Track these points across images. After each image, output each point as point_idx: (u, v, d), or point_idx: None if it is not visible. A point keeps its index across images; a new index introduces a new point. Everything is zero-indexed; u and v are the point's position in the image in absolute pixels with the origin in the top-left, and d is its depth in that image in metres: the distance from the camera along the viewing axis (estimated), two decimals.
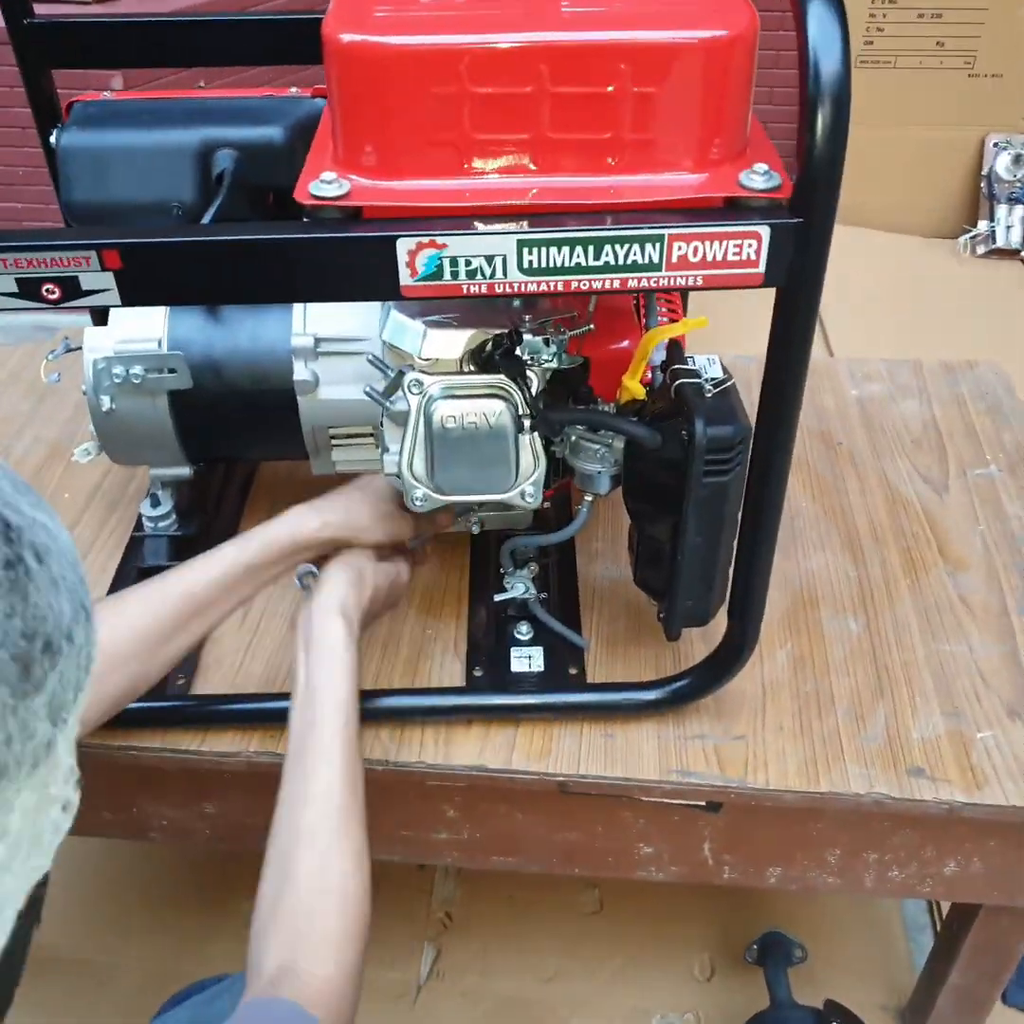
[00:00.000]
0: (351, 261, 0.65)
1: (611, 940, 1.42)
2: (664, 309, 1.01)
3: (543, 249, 0.65)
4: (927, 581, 1.08)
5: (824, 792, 0.89)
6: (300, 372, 0.97)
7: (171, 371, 0.96)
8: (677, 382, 0.83)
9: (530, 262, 0.65)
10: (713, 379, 0.84)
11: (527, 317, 0.85)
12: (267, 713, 0.95)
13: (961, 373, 1.38)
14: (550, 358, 0.84)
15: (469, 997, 1.37)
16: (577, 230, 0.64)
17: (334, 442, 1.03)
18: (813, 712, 0.96)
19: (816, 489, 1.21)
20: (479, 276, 0.66)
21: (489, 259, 0.65)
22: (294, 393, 0.97)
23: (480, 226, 0.64)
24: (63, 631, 0.42)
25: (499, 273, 0.66)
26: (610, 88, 0.64)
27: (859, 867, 0.99)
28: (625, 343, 0.93)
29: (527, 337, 0.83)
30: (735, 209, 0.66)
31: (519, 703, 0.94)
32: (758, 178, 0.66)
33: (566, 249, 0.65)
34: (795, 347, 0.70)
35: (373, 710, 0.93)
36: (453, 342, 0.83)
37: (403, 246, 0.64)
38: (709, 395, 0.82)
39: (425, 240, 0.64)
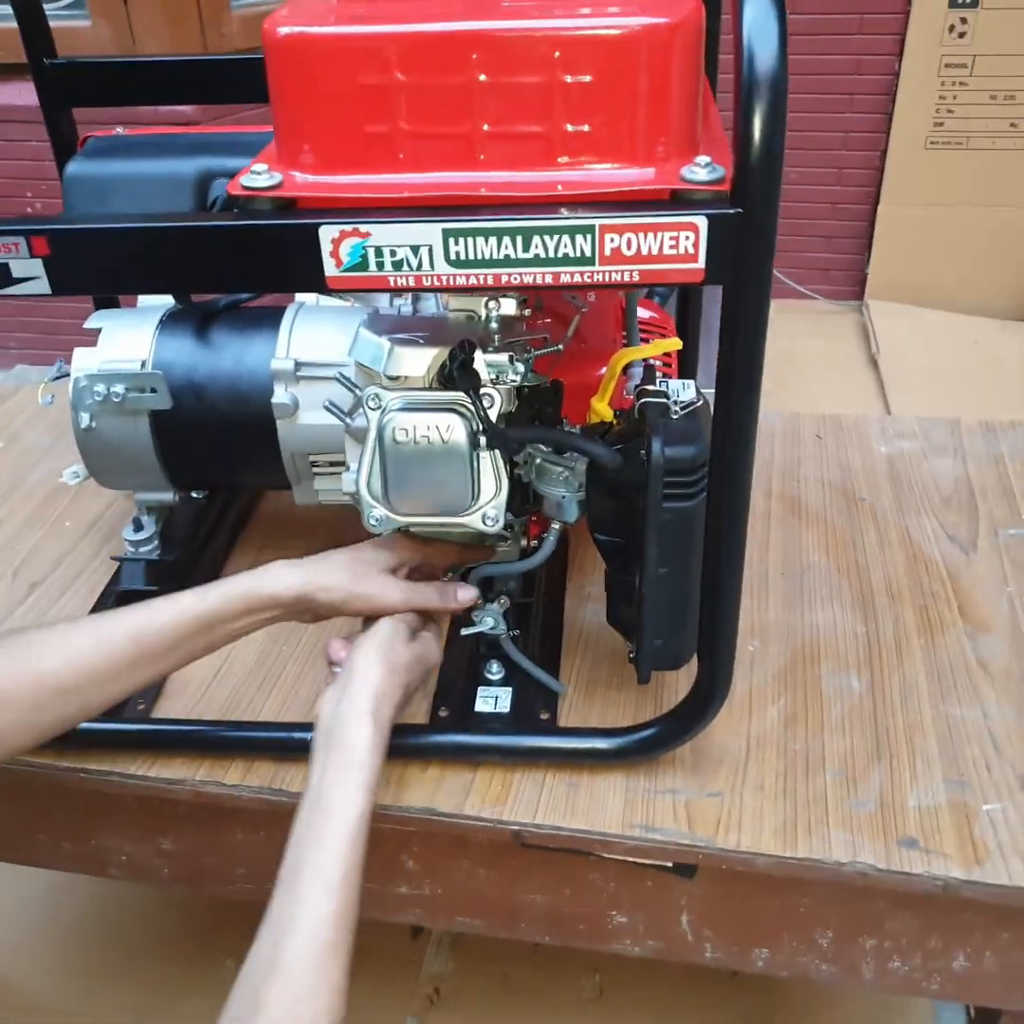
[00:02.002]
0: (276, 251, 0.64)
1: None
2: (655, 336, 0.97)
3: (469, 240, 0.62)
4: (943, 642, 1.00)
5: (800, 858, 0.81)
6: (279, 396, 0.95)
7: (152, 391, 0.96)
8: (641, 401, 0.79)
9: (457, 253, 0.63)
10: (682, 402, 0.79)
11: (497, 337, 0.83)
12: (220, 741, 0.91)
13: (1002, 432, 1.31)
14: (516, 377, 0.81)
15: None
16: (503, 219, 0.61)
17: (315, 470, 1.01)
18: (799, 772, 0.88)
19: (831, 544, 1.14)
20: (405, 267, 0.63)
21: (415, 249, 0.63)
22: (274, 418, 0.96)
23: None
24: None
25: (426, 264, 0.63)
26: (544, 79, 0.62)
27: (855, 954, 0.89)
28: (603, 370, 0.89)
29: (492, 356, 0.80)
30: (676, 202, 0.63)
31: (473, 744, 0.89)
32: (700, 170, 0.62)
33: (493, 240, 0.62)
34: (744, 355, 0.65)
35: (306, 743, 0.88)
36: (419, 360, 0.81)
37: (326, 234, 0.62)
38: (675, 416, 0.78)
39: (348, 228, 0.62)
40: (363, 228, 0.62)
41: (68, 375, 1.01)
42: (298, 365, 0.96)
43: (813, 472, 1.27)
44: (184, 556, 1.08)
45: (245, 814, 0.92)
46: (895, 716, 0.92)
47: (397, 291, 0.64)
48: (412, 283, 0.64)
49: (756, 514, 1.20)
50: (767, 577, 1.10)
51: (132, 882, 1.07)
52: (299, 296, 1.05)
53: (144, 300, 1.06)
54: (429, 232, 0.62)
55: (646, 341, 0.97)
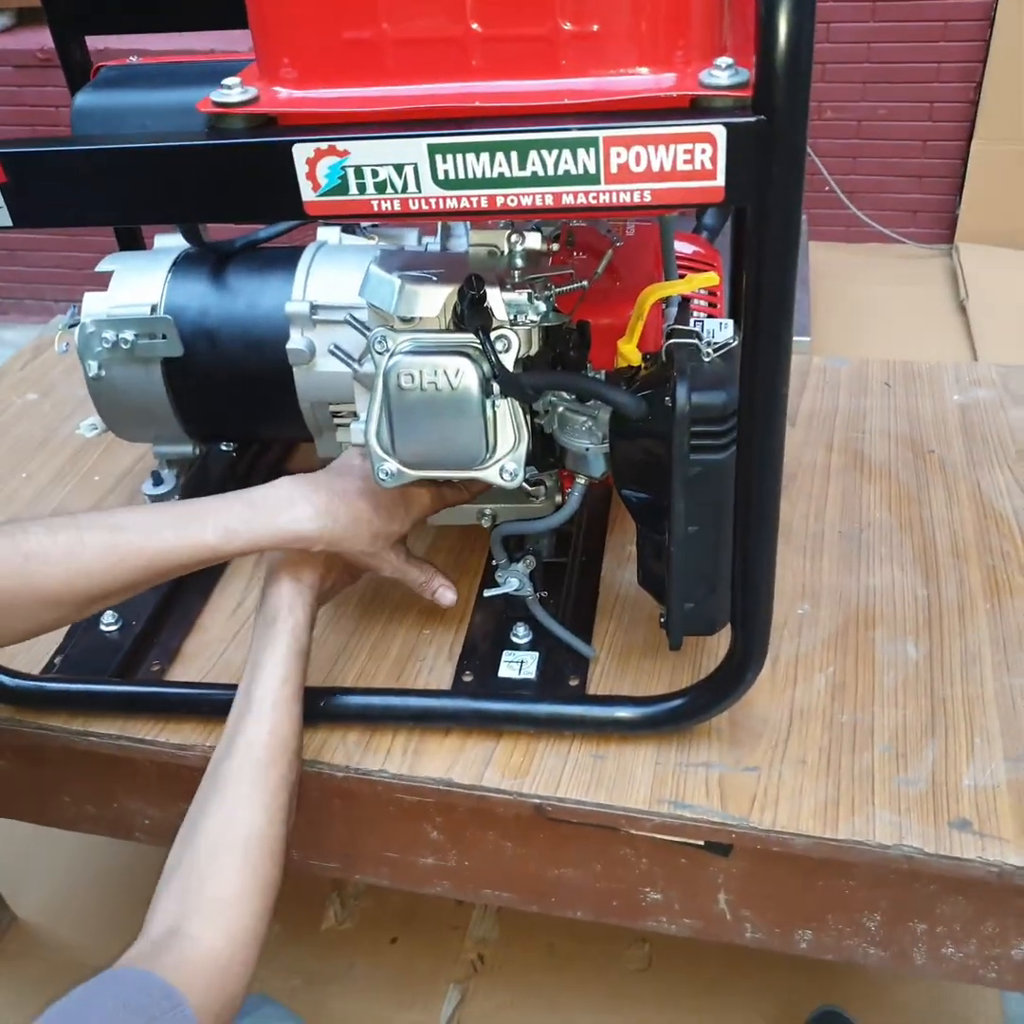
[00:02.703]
0: (247, 174, 0.58)
1: (655, 1006, 1.27)
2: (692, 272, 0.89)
3: (459, 156, 0.55)
4: (1011, 606, 0.91)
5: (842, 840, 0.74)
6: (295, 341, 0.90)
7: (162, 337, 0.92)
8: (669, 342, 0.71)
9: (446, 173, 0.56)
10: (716, 344, 0.72)
11: (516, 272, 0.76)
12: (229, 706, 0.87)
13: None
14: (535, 317, 0.74)
15: None
16: (495, 132, 0.55)
17: (337, 420, 0.96)
18: (845, 747, 0.81)
19: (895, 499, 1.05)
20: (389, 190, 0.57)
21: (399, 169, 0.56)
22: (289, 365, 0.91)
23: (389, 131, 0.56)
24: None
25: (412, 186, 0.57)
26: None
27: (906, 939, 0.83)
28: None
29: (509, 294, 0.74)
30: (694, 110, 0.55)
31: (495, 711, 0.83)
32: (720, 74, 0.54)
33: (485, 156, 0.55)
34: (772, 289, 0.58)
35: (339, 710, 0.85)
36: (432, 298, 0.75)
37: (301, 153, 0.56)
38: (708, 360, 0.71)
39: (324, 146, 0.56)
40: (341, 146, 0.56)
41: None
42: (315, 308, 0.90)
43: (879, 423, 1.17)
44: None
45: None
46: (954, 687, 0.84)
47: (381, 217, 0.58)
48: (398, 207, 0.58)
49: (816, 468, 1.11)
50: (822, 536, 1.02)
51: (159, 846, 1.04)
52: (321, 234, 0.99)
53: (160, 241, 1.01)
54: (413, 148, 0.56)
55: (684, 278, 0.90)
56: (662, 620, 0.80)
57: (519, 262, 0.76)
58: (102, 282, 0.97)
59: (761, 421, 0.63)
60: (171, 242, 1.00)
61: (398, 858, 0.93)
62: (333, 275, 0.92)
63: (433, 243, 0.94)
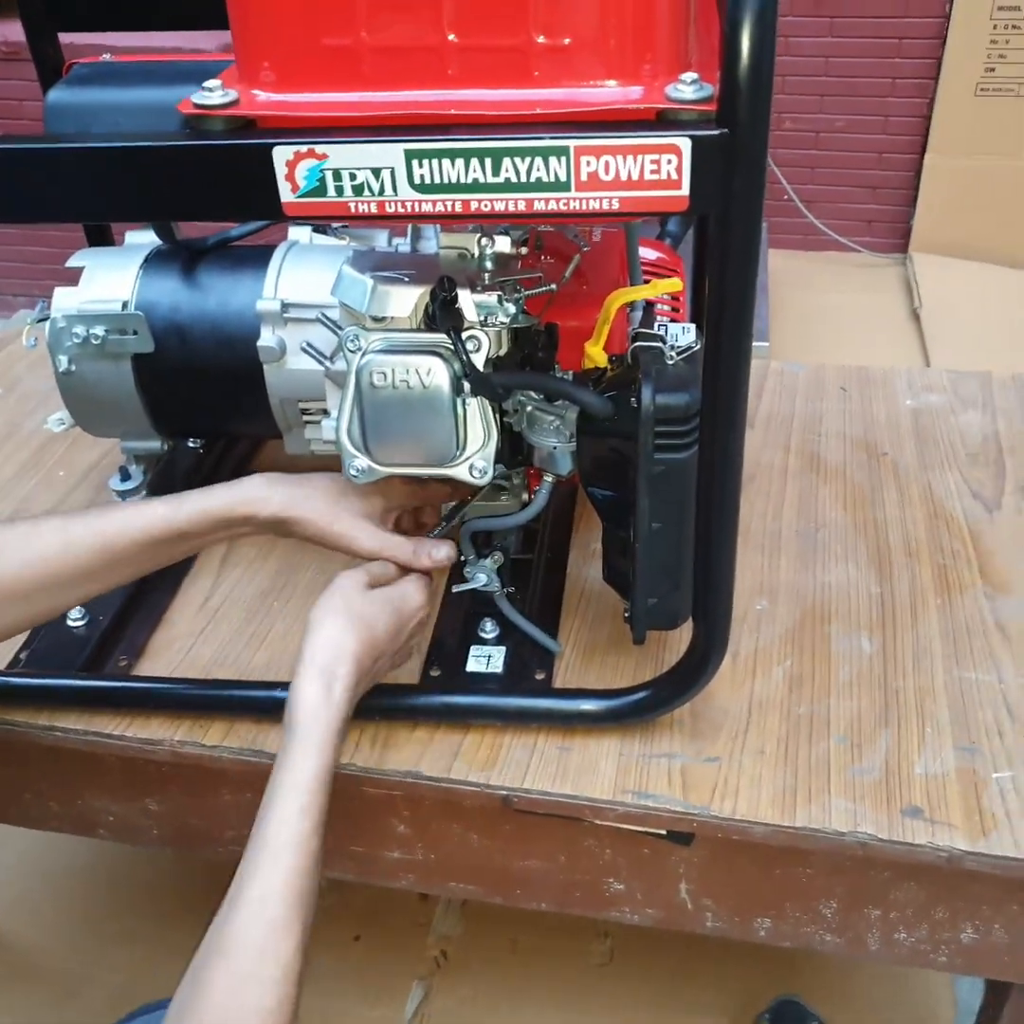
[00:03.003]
0: (226, 174, 0.59)
1: (617, 999, 1.29)
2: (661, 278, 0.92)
3: (435, 161, 0.57)
4: (960, 603, 0.94)
5: (799, 827, 0.77)
6: (265, 338, 0.91)
7: (133, 333, 0.92)
8: (634, 345, 0.74)
9: (421, 177, 0.58)
10: (679, 347, 0.74)
11: (486, 275, 0.78)
12: (199, 700, 0.88)
13: None
14: (505, 319, 0.76)
15: None
16: (470, 139, 0.57)
17: (306, 418, 0.97)
18: (802, 737, 0.83)
19: (849, 500, 1.08)
20: (366, 192, 0.59)
21: (376, 172, 0.58)
22: (260, 362, 0.92)
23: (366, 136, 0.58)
24: None
25: (389, 189, 0.59)
26: None
27: (861, 925, 0.85)
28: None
29: (480, 296, 0.76)
30: (660, 123, 0.57)
31: (463, 704, 0.85)
32: (685, 88, 0.57)
33: (460, 162, 0.57)
34: (733, 294, 0.60)
35: None
36: (404, 299, 0.76)
37: (280, 155, 0.58)
38: (671, 362, 0.73)
39: (304, 149, 0.58)
40: (319, 149, 0.57)
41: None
42: (286, 306, 0.92)
43: (835, 426, 1.21)
44: None
45: (229, 775, 0.89)
46: (906, 679, 0.87)
47: (358, 219, 0.60)
48: (375, 210, 0.59)
49: (773, 470, 1.14)
50: (780, 535, 1.05)
51: (122, 844, 1.05)
52: (292, 233, 1.00)
53: (131, 237, 1.02)
54: (391, 153, 0.57)
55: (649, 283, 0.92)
56: (626, 615, 0.82)
57: (489, 265, 0.78)
58: (66, 277, 0.97)
59: (723, 422, 0.65)
60: (142, 239, 1.00)
61: (364, 852, 0.94)
62: (304, 274, 0.94)
63: (403, 244, 0.96)
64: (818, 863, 0.82)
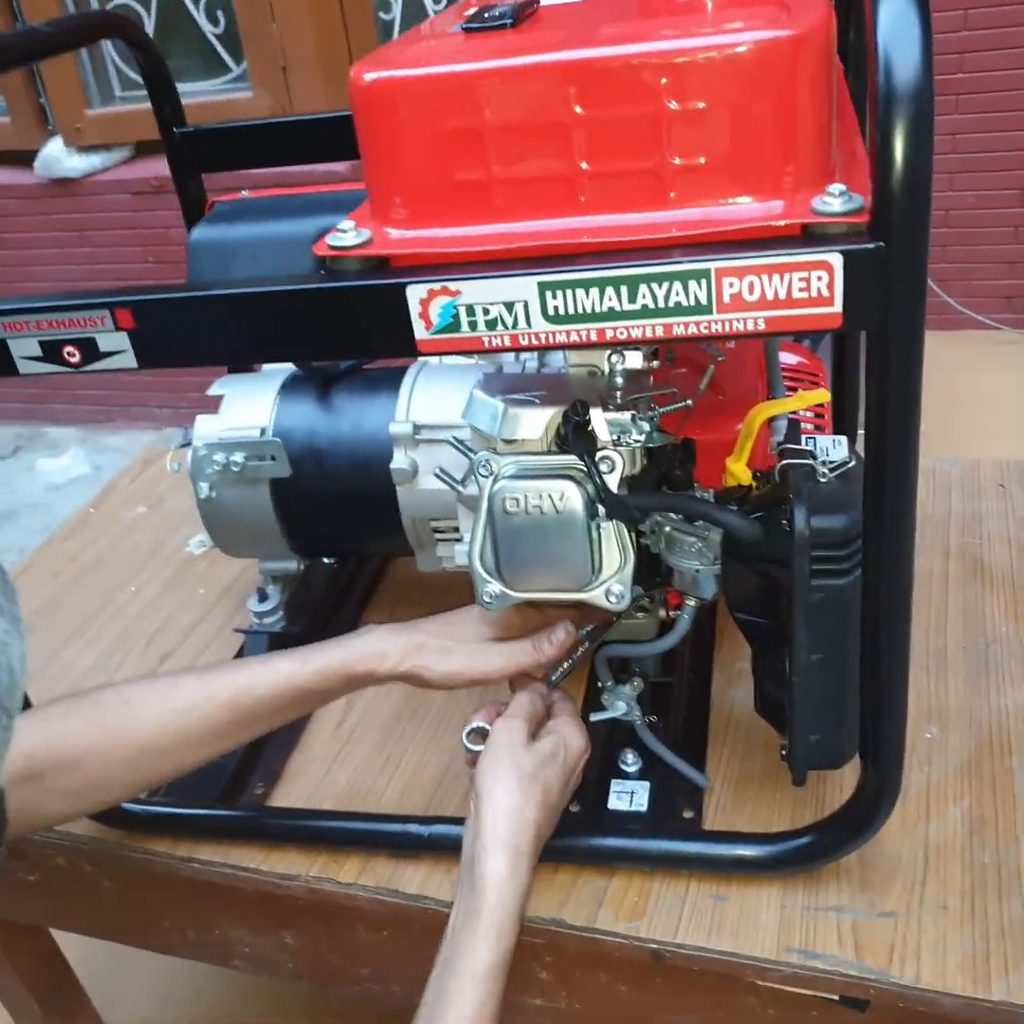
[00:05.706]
0: (362, 314, 0.59)
1: None
2: (804, 386, 0.87)
3: (568, 292, 0.55)
4: None
5: (996, 1001, 0.67)
6: (398, 461, 0.91)
7: (271, 458, 0.93)
8: (783, 462, 0.69)
9: (555, 308, 0.56)
10: (832, 463, 0.69)
11: (620, 393, 0.75)
12: (335, 834, 0.86)
13: None
14: (639, 437, 0.73)
15: None
16: (604, 268, 0.54)
17: (438, 536, 0.96)
18: (990, 890, 0.74)
19: (1022, 611, 0.99)
20: (500, 326, 0.57)
21: (509, 306, 0.56)
22: (393, 483, 0.91)
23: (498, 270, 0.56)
24: None
25: (522, 322, 0.56)
26: (649, 109, 0.55)
27: None
28: (740, 426, 0.80)
29: (612, 414, 0.73)
30: (808, 238, 0.54)
31: (606, 847, 0.79)
32: (833, 201, 0.53)
33: (595, 291, 0.55)
34: (897, 410, 0.55)
35: (442, 841, 0.82)
36: (535, 421, 0.74)
37: (414, 294, 0.57)
38: (824, 480, 0.68)
39: (437, 287, 0.56)
40: (453, 286, 0.56)
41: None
42: (417, 428, 0.91)
43: (997, 528, 1.12)
44: (308, 627, 1.05)
45: (365, 913, 0.86)
46: None
47: (491, 352, 0.58)
48: (508, 343, 0.57)
49: (933, 577, 1.06)
50: (945, 651, 0.96)
51: (257, 976, 1.02)
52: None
53: (268, 365, 1.04)
54: (524, 287, 0.55)
55: (792, 391, 0.87)
56: (783, 752, 0.75)
57: (620, 382, 0.75)
58: (202, 396, 0.99)
59: (888, 545, 0.60)
60: (278, 366, 1.02)
61: (508, 999, 0.89)
62: (435, 396, 0.93)
63: (531, 360, 0.94)
64: None
